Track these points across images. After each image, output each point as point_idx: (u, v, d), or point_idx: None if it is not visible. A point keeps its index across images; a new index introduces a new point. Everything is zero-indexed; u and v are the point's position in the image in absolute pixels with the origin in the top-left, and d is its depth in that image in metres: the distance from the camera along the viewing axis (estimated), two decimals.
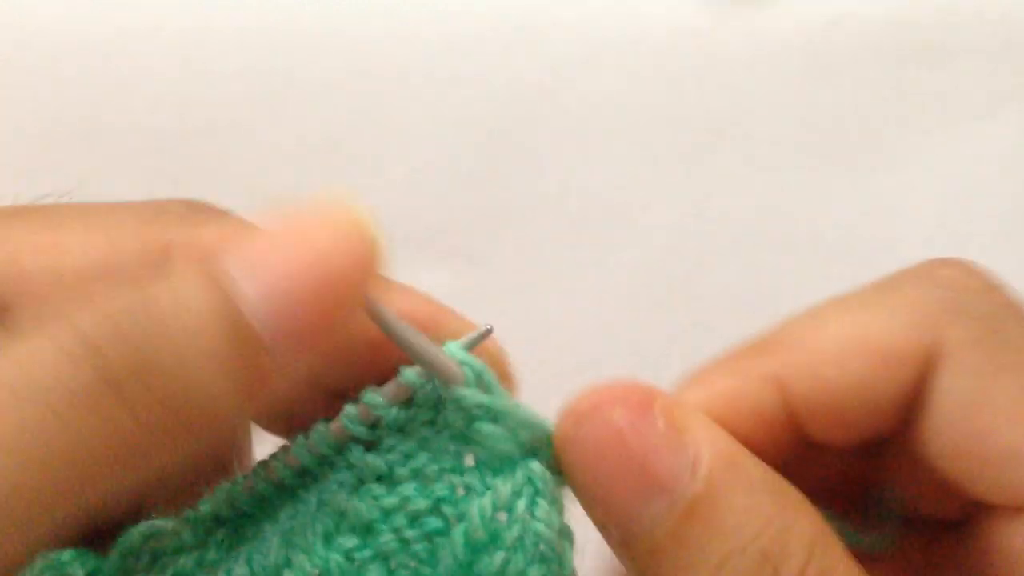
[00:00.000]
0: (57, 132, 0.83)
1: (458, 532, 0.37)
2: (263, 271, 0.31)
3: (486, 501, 0.36)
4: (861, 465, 0.42)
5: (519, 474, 0.37)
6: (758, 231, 0.85)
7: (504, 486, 0.37)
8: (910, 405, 0.37)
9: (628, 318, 0.84)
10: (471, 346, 0.38)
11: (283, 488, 0.38)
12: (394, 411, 0.37)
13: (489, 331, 0.38)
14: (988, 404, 0.35)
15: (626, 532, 0.35)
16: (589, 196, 0.84)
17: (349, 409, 0.38)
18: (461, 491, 0.37)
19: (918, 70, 0.85)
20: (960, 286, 0.38)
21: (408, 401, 0.37)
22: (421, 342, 0.36)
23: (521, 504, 0.36)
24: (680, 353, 0.84)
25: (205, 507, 0.38)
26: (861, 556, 0.36)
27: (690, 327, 0.84)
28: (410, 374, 0.37)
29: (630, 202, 0.85)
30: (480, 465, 0.37)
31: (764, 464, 0.35)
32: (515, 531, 0.36)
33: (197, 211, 0.41)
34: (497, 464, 0.37)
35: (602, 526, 0.36)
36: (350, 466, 0.38)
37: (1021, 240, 0.85)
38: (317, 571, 0.37)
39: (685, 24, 0.85)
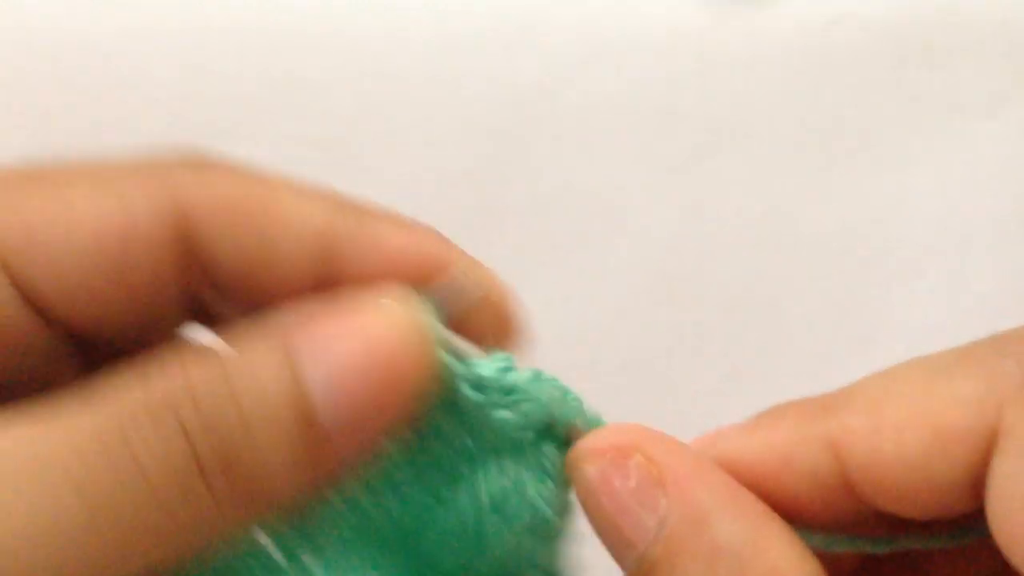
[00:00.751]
0: (57, 132, 0.83)
1: (463, 498, 0.37)
2: (337, 362, 0.32)
3: (493, 475, 0.36)
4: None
5: (530, 457, 0.37)
6: (758, 231, 0.84)
7: (516, 467, 0.36)
8: (971, 487, 0.35)
9: (628, 318, 0.84)
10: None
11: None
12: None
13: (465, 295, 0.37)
14: None
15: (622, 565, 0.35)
16: (589, 196, 0.84)
17: None
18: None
19: (918, 70, 0.85)
20: None
21: None
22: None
23: (531, 488, 0.36)
24: (680, 353, 0.84)
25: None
26: None
27: (690, 327, 0.84)
28: None
29: (630, 202, 0.85)
30: (494, 440, 0.37)
31: (745, 516, 0.34)
32: (524, 514, 0.37)
33: (203, 166, 0.41)
34: (509, 445, 0.37)
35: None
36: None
37: (1021, 240, 0.85)
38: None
39: (685, 24, 0.85)
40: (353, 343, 0.32)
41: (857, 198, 0.85)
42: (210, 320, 0.45)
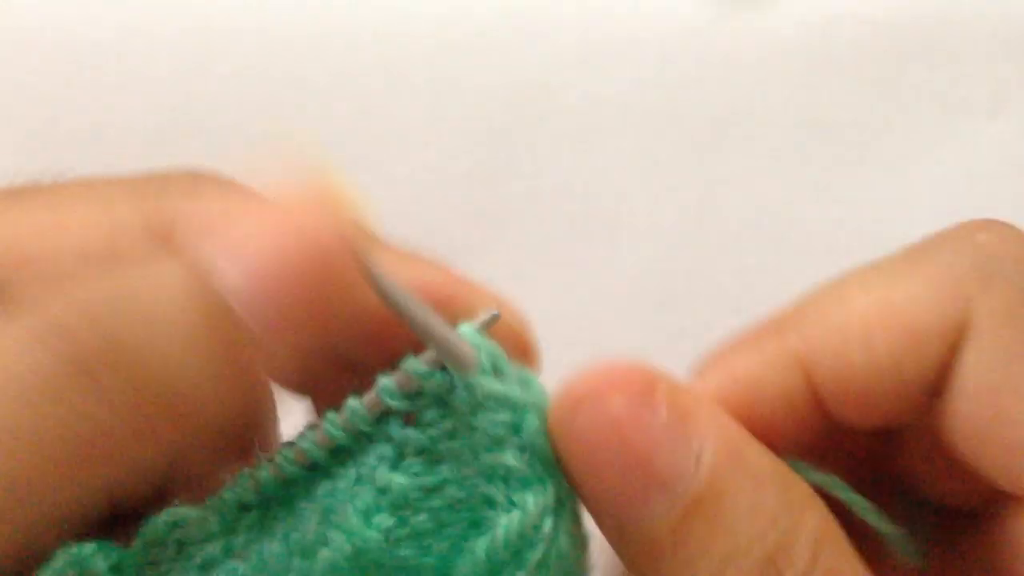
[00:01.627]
0: (57, 132, 0.83)
1: (480, 546, 0.35)
2: (245, 253, 0.30)
3: (513, 519, 0.35)
4: (881, 447, 0.40)
5: (549, 491, 0.35)
6: (759, 230, 0.84)
7: (533, 504, 0.35)
8: (937, 384, 0.35)
9: (628, 318, 0.84)
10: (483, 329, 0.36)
11: (315, 468, 0.37)
12: (437, 379, 0.35)
13: (496, 317, 0.36)
14: (1014, 387, 0.33)
15: (624, 527, 0.33)
16: (589, 196, 0.84)
17: (385, 381, 0.36)
18: (493, 492, 0.36)
19: (918, 70, 0.85)
20: (998, 252, 0.36)
21: (419, 391, 0.36)
22: (431, 320, 0.35)
23: (548, 524, 0.35)
24: (680, 353, 0.84)
25: (229, 494, 0.36)
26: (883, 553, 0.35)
27: (690, 327, 0.84)
28: (415, 362, 0.35)
29: (630, 202, 0.85)
30: (508, 473, 0.36)
31: (771, 455, 0.34)
32: (539, 552, 0.35)
33: (200, 182, 0.41)
34: (525, 476, 0.35)
35: (598, 518, 0.34)
36: (389, 439, 0.36)
37: None
38: (352, 548, 0.35)
39: (685, 24, 0.85)
40: (269, 233, 0.31)
41: (857, 198, 0.85)
42: None
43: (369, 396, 0.36)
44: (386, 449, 0.36)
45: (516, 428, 0.35)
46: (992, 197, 0.85)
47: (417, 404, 0.36)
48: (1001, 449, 0.33)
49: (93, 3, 0.83)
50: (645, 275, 0.84)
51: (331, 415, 0.36)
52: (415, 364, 0.35)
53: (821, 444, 0.38)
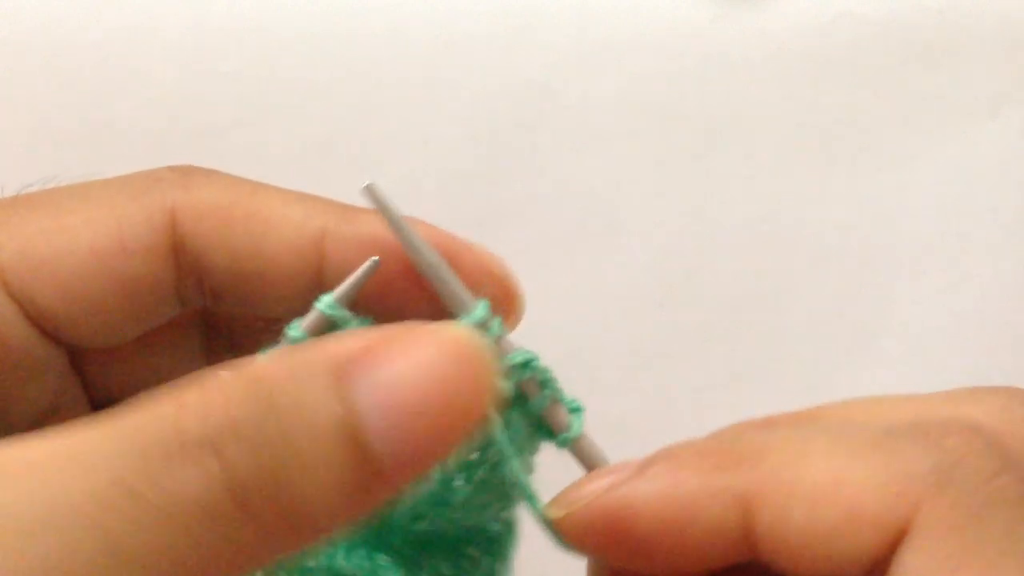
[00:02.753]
0: (56, 132, 0.83)
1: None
2: (393, 399, 0.30)
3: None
4: None
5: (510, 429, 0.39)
6: (758, 231, 0.84)
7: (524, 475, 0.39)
8: (878, 569, 0.35)
9: (628, 318, 0.84)
10: (354, 287, 0.39)
11: None
12: (344, 318, 0.38)
13: (376, 263, 0.39)
14: None
15: None
16: (589, 196, 0.84)
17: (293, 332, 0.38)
18: None
19: (918, 70, 0.85)
20: (963, 459, 0.35)
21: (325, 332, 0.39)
22: (443, 268, 0.39)
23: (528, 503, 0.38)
24: (680, 353, 0.84)
25: None
26: None
27: (690, 327, 0.84)
28: (328, 303, 0.38)
29: (630, 202, 0.85)
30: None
31: None
32: (485, 470, 0.38)
33: (189, 174, 0.42)
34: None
35: None
36: None
37: (1021, 240, 0.85)
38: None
39: (685, 24, 0.85)
40: (411, 370, 0.30)
41: (857, 198, 0.85)
42: (208, 328, 0.46)
43: (279, 347, 0.39)
44: None
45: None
46: (992, 197, 0.85)
47: None
48: None
49: (93, 3, 0.83)
50: (645, 275, 0.84)
51: None
52: (296, 331, 0.38)
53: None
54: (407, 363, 0.30)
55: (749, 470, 0.36)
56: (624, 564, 0.38)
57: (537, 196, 0.84)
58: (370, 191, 0.39)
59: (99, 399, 0.45)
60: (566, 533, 0.38)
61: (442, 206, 0.82)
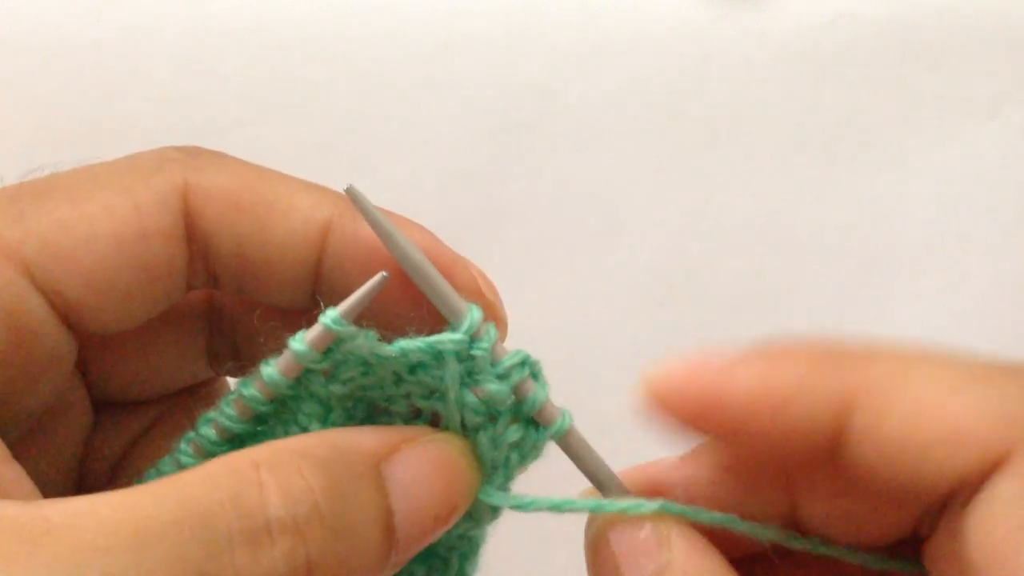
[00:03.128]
0: (56, 132, 0.83)
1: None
2: (417, 496, 0.37)
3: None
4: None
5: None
6: (758, 231, 0.84)
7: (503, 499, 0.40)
8: (957, 493, 0.35)
9: (628, 318, 0.84)
10: (361, 303, 0.38)
11: (260, 421, 0.41)
12: (351, 333, 0.38)
13: (384, 279, 0.39)
14: None
15: None
16: (589, 196, 0.84)
17: (296, 342, 0.39)
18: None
19: (918, 70, 0.85)
20: None
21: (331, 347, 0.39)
22: (429, 270, 0.39)
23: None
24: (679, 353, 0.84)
25: (169, 460, 0.41)
26: None
27: (690, 327, 0.84)
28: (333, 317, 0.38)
29: (630, 202, 0.85)
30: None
31: None
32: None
33: (196, 155, 0.42)
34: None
35: None
36: (311, 395, 0.40)
37: (1021, 240, 0.85)
38: None
39: (685, 24, 0.85)
40: (431, 483, 0.38)
41: (857, 198, 0.85)
42: (211, 332, 0.46)
43: (282, 359, 0.39)
44: (314, 406, 0.40)
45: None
46: (992, 197, 0.85)
47: (334, 360, 0.39)
48: None
49: (93, 3, 0.84)
50: (645, 275, 0.84)
51: (246, 382, 0.40)
52: (332, 320, 0.38)
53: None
54: (421, 467, 0.38)
55: (853, 370, 0.36)
56: (704, 434, 0.38)
57: (537, 196, 0.84)
58: (350, 194, 0.39)
59: (99, 399, 0.45)
60: (658, 393, 0.38)
61: (442, 206, 0.82)
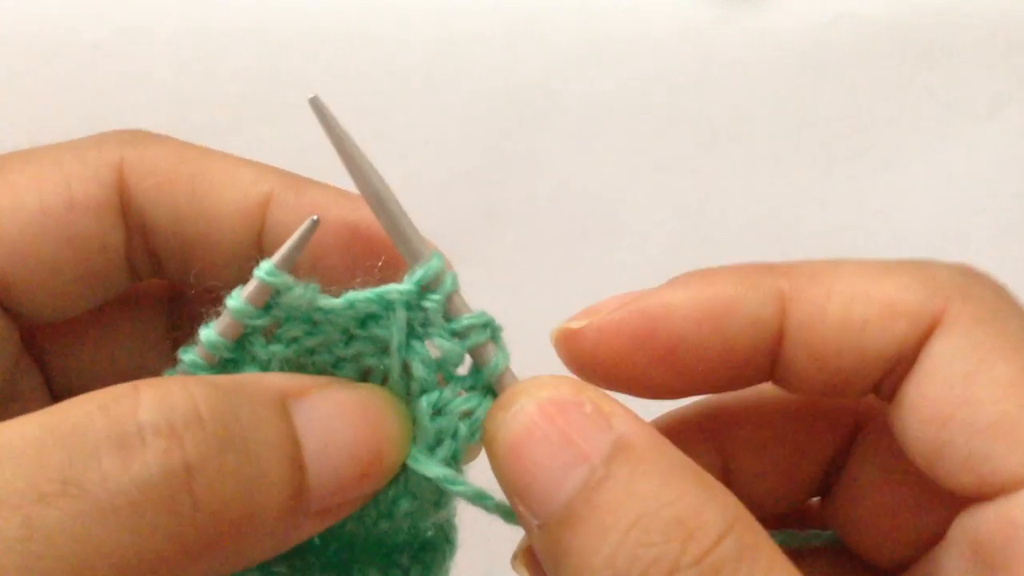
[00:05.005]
0: (56, 132, 0.83)
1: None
2: (324, 431, 0.35)
3: (424, 471, 0.37)
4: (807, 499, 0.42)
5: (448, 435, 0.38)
6: (758, 231, 0.84)
7: (441, 466, 0.37)
8: (896, 367, 0.37)
9: None
10: (295, 251, 0.37)
11: None
12: (287, 283, 0.37)
13: (315, 223, 0.37)
14: (983, 375, 0.34)
15: (545, 509, 0.35)
16: (589, 196, 0.84)
17: (233, 300, 0.37)
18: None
19: (918, 70, 0.85)
20: (974, 277, 0.38)
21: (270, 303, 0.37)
22: (397, 210, 0.37)
23: (451, 488, 0.37)
24: None
25: None
26: None
27: None
28: (267, 269, 0.36)
29: (630, 202, 0.85)
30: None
31: (687, 457, 0.35)
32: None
33: (137, 134, 0.42)
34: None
35: (521, 512, 0.36)
36: (253, 359, 0.38)
37: (1021, 240, 0.85)
38: None
39: (685, 24, 0.85)
40: (346, 423, 0.35)
41: (857, 198, 0.85)
42: (171, 323, 0.45)
43: (220, 320, 0.37)
44: (255, 370, 0.38)
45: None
46: (992, 197, 0.85)
47: (275, 317, 0.37)
48: (966, 433, 0.34)
49: (93, 3, 0.83)
50: (645, 275, 0.84)
51: (187, 348, 0.38)
52: (236, 302, 0.37)
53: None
54: (334, 407, 0.35)
55: (784, 274, 0.38)
56: (645, 373, 0.38)
57: (537, 196, 0.84)
58: (314, 105, 0.37)
59: (61, 392, 0.44)
60: (586, 341, 0.38)
61: (442, 206, 0.82)
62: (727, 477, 0.42)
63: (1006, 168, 0.85)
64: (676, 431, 0.42)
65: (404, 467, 0.37)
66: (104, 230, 0.39)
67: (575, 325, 0.38)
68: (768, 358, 0.38)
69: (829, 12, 0.85)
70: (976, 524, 0.34)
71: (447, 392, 0.38)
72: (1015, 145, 0.85)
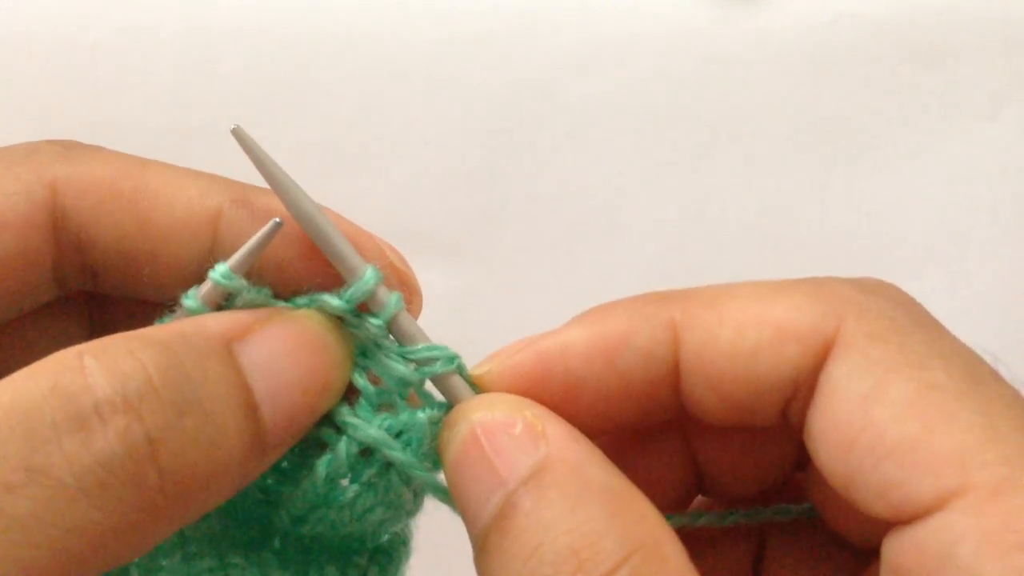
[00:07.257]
0: (56, 132, 0.83)
1: (322, 463, 0.38)
2: (271, 369, 0.35)
3: (361, 435, 0.37)
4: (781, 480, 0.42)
5: (403, 417, 0.38)
6: (758, 231, 0.84)
7: (378, 429, 0.38)
8: (797, 393, 0.36)
9: None
10: (251, 255, 0.37)
11: None
12: (240, 287, 0.37)
13: (278, 224, 0.37)
14: (881, 396, 0.33)
15: (472, 533, 0.35)
16: (589, 196, 0.84)
17: (188, 299, 0.37)
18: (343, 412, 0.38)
19: (918, 70, 0.85)
20: (873, 290, 0.37)
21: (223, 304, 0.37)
22: (330, 229, 0.37)
23: (388, 451, 0.38)
24: None
25: None
26: None
27: None
28: (222, 272, 0.37)
29: (630, 202, 0.85)
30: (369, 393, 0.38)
31: (616, 472, 0.35)
32: (374, 468, 0.38)
33: (71, 147, 0.40)
34: (383, 397, 0.38)
35: (465, 523, 0.36)
36: None
37: (1021, 240, 0.85)
38: None
39: (685, 24, 0.85)
40: (293, 356, 0.36)
41: (857, 198, 0.85)
42: (93, 322, 0.44)
43: (174, 319, 0.37)
44: None
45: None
46: (992, 197, 0.85)
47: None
48: (871, 458, 0.33)
49: (93, 3, 0.83)
50: (645, 275, 0.84)
51: None
52: (191, 301, 0.37)
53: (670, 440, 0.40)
54: (278, 343, 0.35)
55: (676, 303, 0.37)
56: (552, 407, 0.37)
57: (537, 196, 0.84)
58: (237, 135, 0.37)
59: None
60: (492, 386, 0.38)
61: (442, 206, 0.82)
62: (696, 457, 0.41)
63: (1006, 168, 0.85)
64: (644, 434, 0.42)
65: (383, 475, 0.38)
66: (31, 248, 0.38)
67: (478, 371, 0.38)
68: (669, 390, 0.37)
69: (829, 12, 0.85)
70: (896, 549, 0.33)
71: (387, 355, 0.38)
72: (1015, 145, 0.85)
